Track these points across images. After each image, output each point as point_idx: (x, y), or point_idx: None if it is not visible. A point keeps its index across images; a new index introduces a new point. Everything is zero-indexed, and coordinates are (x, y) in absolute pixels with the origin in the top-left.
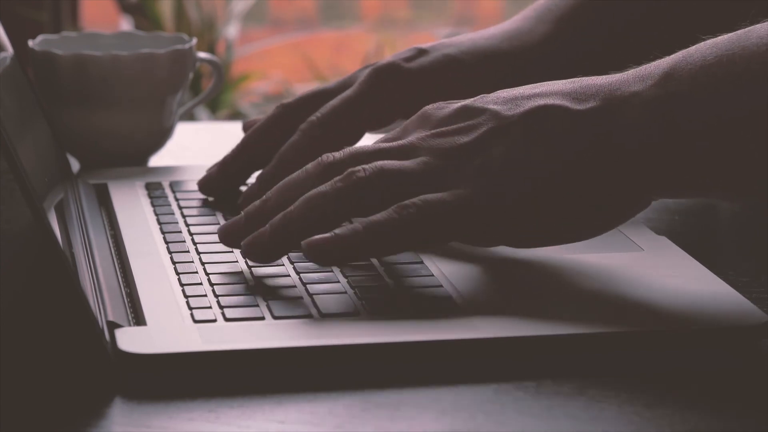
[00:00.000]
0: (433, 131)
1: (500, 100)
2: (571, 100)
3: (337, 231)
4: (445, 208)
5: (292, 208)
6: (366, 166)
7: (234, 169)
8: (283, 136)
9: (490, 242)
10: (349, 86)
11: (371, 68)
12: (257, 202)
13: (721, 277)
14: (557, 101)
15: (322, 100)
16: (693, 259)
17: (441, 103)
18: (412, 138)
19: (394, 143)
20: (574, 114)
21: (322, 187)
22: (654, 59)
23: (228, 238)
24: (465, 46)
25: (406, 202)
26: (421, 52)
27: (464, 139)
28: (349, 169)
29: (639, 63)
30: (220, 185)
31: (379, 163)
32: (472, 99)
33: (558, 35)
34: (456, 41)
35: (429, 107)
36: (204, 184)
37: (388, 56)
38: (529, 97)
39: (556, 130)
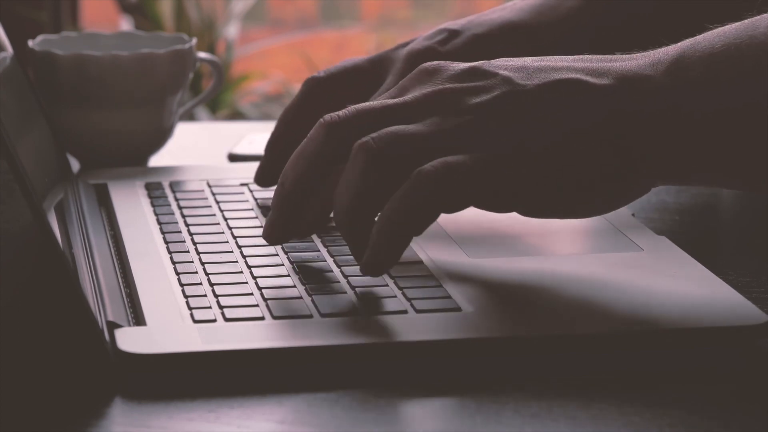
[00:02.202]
0: (442, 87)
1: (510, 67)
2: (587, 75)
3: (372, 234)
4: (466, 171)
5: (343, 215)
6: (375, 136)
7: (279, 151)
8: (317, 113)
9: (505, 208)
10: (380, 66)
11: (407, 53)
12: (275, 191)
13: (721, 277)
14: (574, 75)
15: (353, 77)
16: (693, 259)
17: (441, 62)
18: (417, 94)
19: (400, 100)
20: (593, 87)
21: (346, 178)
22: (660, 46)
23: (271, 237)
24: (495, 23)
25: (426, 166)
26: (453, 34)
27: (477, 99)
28: (357, 144)
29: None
30: (273, 171)
31: (391, 129)
32: (477, 62)
33: (577, 18)
34: (486, 19)
35: (428, 64)
36: (259, 176)
37: (418, 38)
38: (543, 69)
39: (576, 101)
